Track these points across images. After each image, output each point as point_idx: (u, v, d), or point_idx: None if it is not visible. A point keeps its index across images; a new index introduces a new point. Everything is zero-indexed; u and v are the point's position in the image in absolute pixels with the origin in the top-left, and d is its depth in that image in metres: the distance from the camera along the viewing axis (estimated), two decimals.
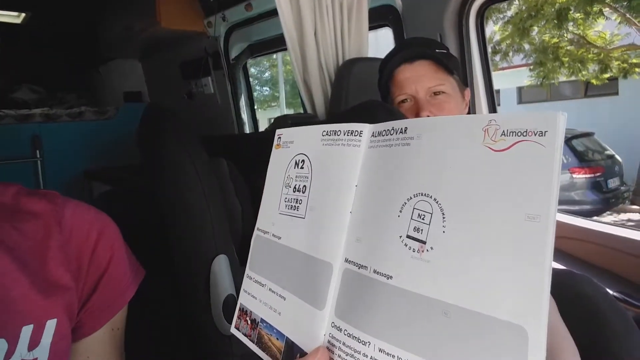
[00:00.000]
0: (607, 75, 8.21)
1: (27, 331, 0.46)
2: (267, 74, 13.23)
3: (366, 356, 0.32)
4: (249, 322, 0.45)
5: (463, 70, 1.54)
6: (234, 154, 0.78)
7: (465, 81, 1.53)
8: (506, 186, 0.29)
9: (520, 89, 10.79)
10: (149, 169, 0.67)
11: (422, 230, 0.32)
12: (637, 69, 8.01)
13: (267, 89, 13.30)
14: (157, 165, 0.65)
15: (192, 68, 2.69)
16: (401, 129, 0.35)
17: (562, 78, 8.94)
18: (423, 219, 0.32)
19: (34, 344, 0.47)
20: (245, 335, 0.46)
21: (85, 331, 0.55)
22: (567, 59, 8.22)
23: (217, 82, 2.56)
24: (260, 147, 1.00)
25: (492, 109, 1.61)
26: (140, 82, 3.37)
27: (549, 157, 0.28)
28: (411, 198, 0.33)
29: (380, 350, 0.32)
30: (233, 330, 0.49)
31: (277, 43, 2.25)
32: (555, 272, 0.82)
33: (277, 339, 0.40)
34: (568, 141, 6.60)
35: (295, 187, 0.42)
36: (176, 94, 2.87)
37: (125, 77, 3.37)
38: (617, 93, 9.73)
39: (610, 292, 0.89)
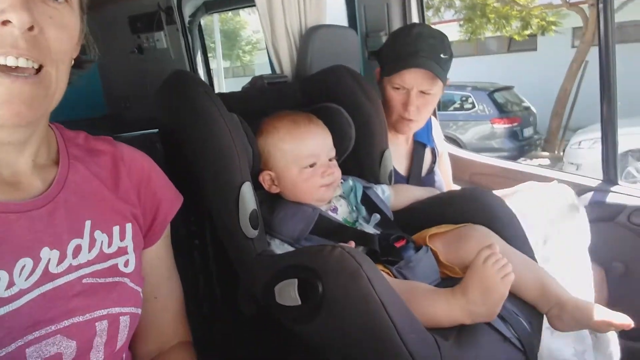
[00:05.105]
0: (527, 32, 8.84)
1: (116, 230, 0.69)
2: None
3: None
4: None
5: None
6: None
7: None
8: None
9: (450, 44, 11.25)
10: (180, 120, 0.88)
11: None
12: (553, 27, 8.70)
13: None
14: (190, 117, 0.85)
15: (143, 22, 2.72)
16: None
17: (488, 34, 9.49)
18: None
19: (122, 237, 0.70)
20: None
21: (156, 237, 0.78)
22: (493, 15, 8.70)
23: (170, 37, 2.63)
24: (244, 102, 1.21)
25: None
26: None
27: None
28: None
29: None
30: None
31: (233, 1, 2.36)
32: (469, 189, 1.14)
33: None
34: (490, 94, 7.18)
35: None
36: (123, 48, 2.89)
37: None
38: (535, 49, 10.47)
39: None
